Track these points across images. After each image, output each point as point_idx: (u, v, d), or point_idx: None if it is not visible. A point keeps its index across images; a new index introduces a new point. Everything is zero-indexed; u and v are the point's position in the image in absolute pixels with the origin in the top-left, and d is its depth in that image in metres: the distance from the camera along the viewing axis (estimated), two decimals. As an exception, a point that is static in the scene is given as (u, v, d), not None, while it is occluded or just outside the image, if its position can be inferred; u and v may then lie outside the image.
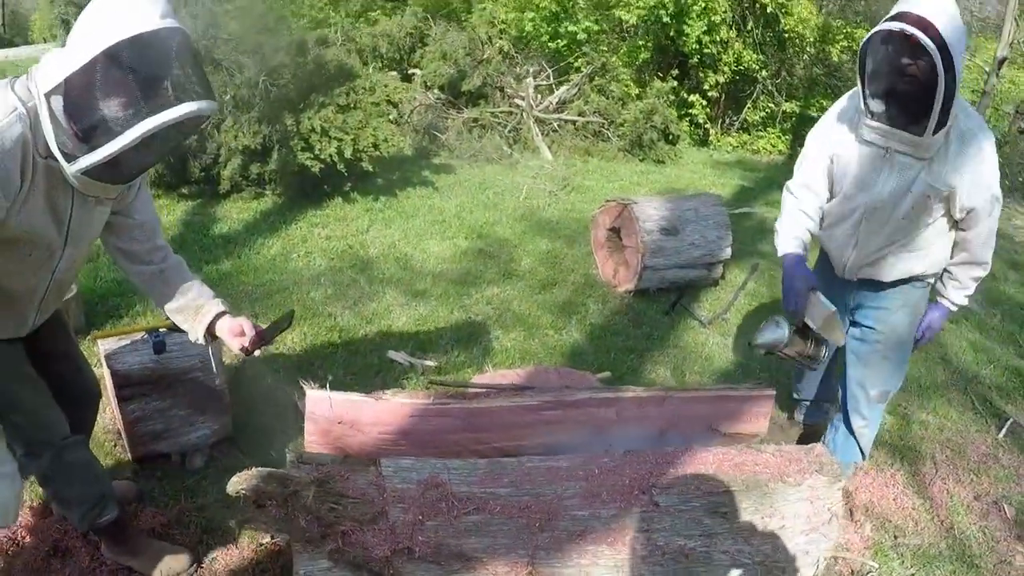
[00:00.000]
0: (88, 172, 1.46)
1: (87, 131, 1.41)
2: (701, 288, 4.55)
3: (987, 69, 8.72)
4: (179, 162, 4.92)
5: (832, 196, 2.37)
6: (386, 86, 5.67)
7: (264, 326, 1.94)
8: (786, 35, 8.91)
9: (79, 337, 2.78)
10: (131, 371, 2.36)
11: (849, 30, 8.81)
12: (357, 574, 1.76)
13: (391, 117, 6.02)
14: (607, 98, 8.24)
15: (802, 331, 2.29)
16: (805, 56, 9.34)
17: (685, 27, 8.49)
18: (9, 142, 1.40)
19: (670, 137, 8.27)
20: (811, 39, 8.94)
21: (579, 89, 8.27)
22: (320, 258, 4.42)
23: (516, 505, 1.86)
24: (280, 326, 1.96)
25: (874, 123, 2.10)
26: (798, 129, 8.98)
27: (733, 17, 8.78)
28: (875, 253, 2.30)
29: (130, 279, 1.94)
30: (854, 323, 2.54)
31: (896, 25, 1.90)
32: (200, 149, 4.89)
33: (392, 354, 3.40)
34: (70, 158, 1.43)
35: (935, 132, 1.99)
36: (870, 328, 2.47)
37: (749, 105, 9.38)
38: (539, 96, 8.15)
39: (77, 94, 1.39)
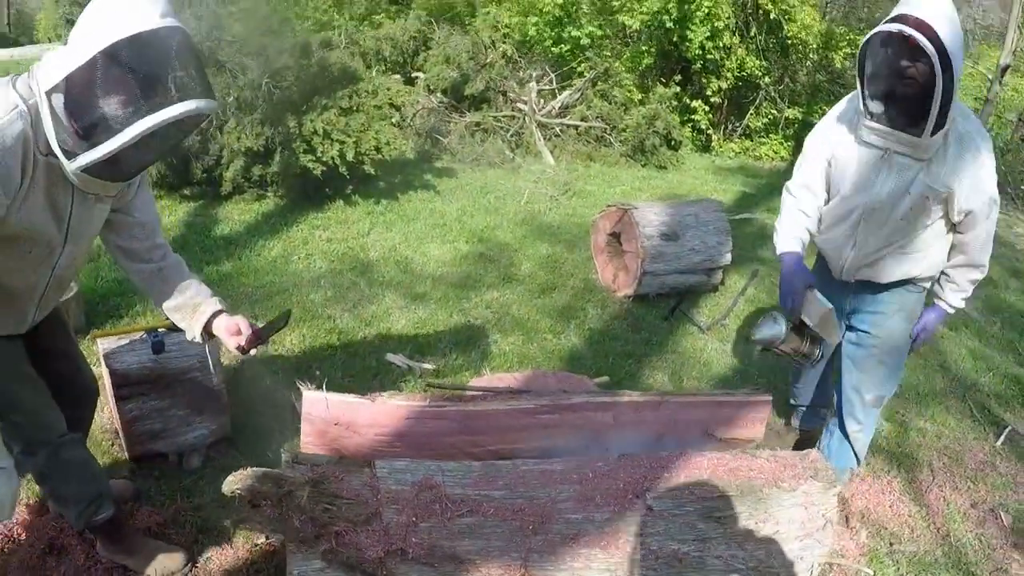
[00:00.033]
0: (88, 169, 1.47)
1: (87, 129, 1.43)
2: (701, 294, 4.55)
3: (990, 77, 8.72)
4: (181, 163, 4.94)
5: (830, 197, 2.39)
6: (389, 89, 5.68)
7: (261, 325, 1.95)
8: (789, 41, 8.92)
9: (79, 336, 2.80)
10: (129, 370, 2.37)
11: (852, 37, 8.81)
12: (351, 575, 1.76)
13: (394, 120, 6.03)
14: (610, 103, 8.26)
15: (799, 328, 2.32)
16: (808, 63, 9.35)
17: (688, 33, 8.51)
18: (10, 139, 1.41)
19: (672, 143, 8.28)
20: (814, 46, 8.95)
21: (582, 94, 8.29)
22: (320, 260, 4.44)
23: (510, 508, 1.87)
24: (276, 325, 1.97)
25: (873, 124, 2.12)
26: (800, 136, 8.98)
27: (736, 23, 8.80)
28: (873, 254, 2.31)
29: (129, 277, 1.96)
30: (850, 327, 2.55)
31: (895, 27, 1.92)
32: (202, 150, 4.91)
33: (390, 357, 3.41)
34: (70, 155, 1.45)
35: (933, 133, 2.01)
36: (866, 332, 2.48)
37: (752, 111, 9.39)
38: (542, 101, 8.17)
39: (77, 92, 1.41)
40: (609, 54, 8.84)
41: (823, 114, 2.45)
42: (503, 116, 7.83)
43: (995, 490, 3.04)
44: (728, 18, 8.50)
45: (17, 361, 1.80)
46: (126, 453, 2.52)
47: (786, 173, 2.52)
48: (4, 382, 1.78)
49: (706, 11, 8.32)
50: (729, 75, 8.87)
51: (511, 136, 7.67)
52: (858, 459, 2.70)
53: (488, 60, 7.91)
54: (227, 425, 2.63)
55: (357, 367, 3.33)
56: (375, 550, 1.76)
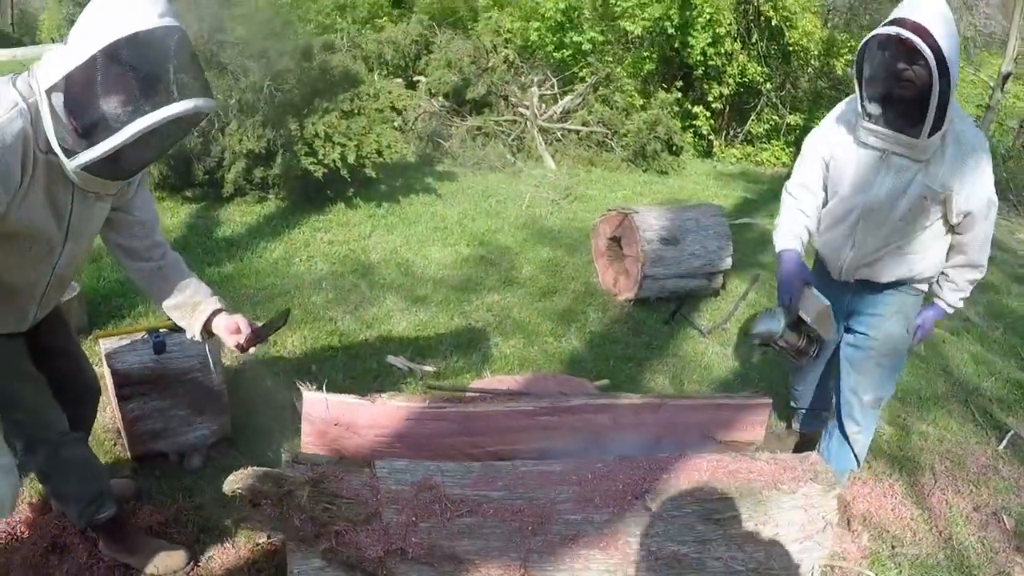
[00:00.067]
0: (88, 168, 1.48)
1: (86, 127, 1.44)
2: (701, 298, 4.56)
3: (992, 84, 8.74)
4: (183, 165, 4.96)
5: (828, 197, 2.41)
6: (390, 93, 5.71)
7: (260, 324, 1.96)
8: (791, 48, 8.96)
9: (81, 336, 2.81)
10: (131, 370, 2.38)
11: (854, 44, 8.84)
12: (350, 574, 1.77)
13: (395, 124, 6.06)
14: (611, 108, 8.28)
15: (796, 325, 2.33)
16: (810, 69, 9.38)
17: (690, 39, 8.54)
18: (10, 137, 1.42)
19: (673, 148, 8.30)
20: (816, 52, 8.99)
21: (583, 99, 8.31)
22: (322, 262, 4.45)
23: (509, 508, 1.87)
24: (275, 324, 1.98)
25: (871, 126, 2.15)
26: (802, 142, 9.00)
27: (738, 29, 8.83)
28: (872, 255, 2.33)
29: (129, 276, 1.97)
30: (848, 329, 2.56)
31: (893, 30, 1.95)
32: (204, 152, 4.93)
33: (391, 359, 3.42)
34: (70, 154, 1.46)
35: (931, 135, 2.04)
36: (863, 334, 2.49)
37: (753, 117, 9.42)
38: (543, 105, 8.20)
39: (77, 91, 1.42)
40: (611, 59, 8.88)
41: (824, 120, 2.46)
42: (505, 120, 7.86)
43: (997, 494, 3.04)
44: (730, 24, 8.54)
45: (18, 359, 1.81)
46: (128, 453, 2.52)
47: (787, 179, 2.55)
48: (5, 380, 1.78)
49: (708, 17, 8.35)
50: (731, 81, 8.90)
51: (512, 140, 7.69)
52: (858, 461, 2.70)
53: (490, 64, 7.94)
54: (228, 425, 2.64)
55: (358, 369, 3.34)
56: (375, 549, 1.76)
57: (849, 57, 8.72)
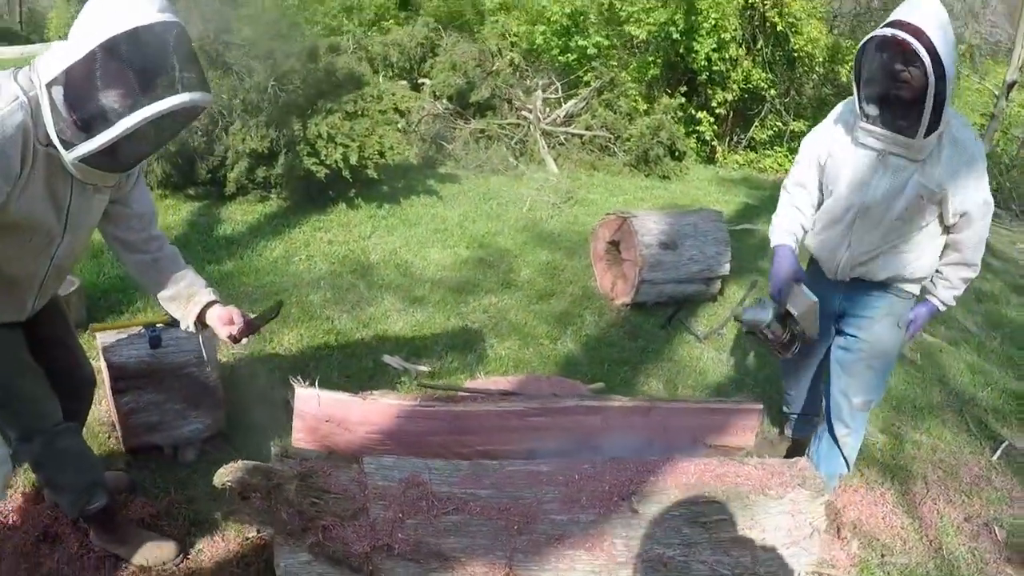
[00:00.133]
0: (86, 160, 1.51)
1: (85, 120, 1.47)
2: (699, 303, 4.56)
3: (996, 93, 8.73)
4: (186, 163, 5.00)
5: (824, 196, 2.45)
6: (394, 94, 5.73)
7: (253, 316, 1.99)
8: (796, 54, 8.96)
9: (79, 331, 2.83)
10: (127, 364, 2.40)
11: (859, 51, 8.84)
12: (336, 569, 1.78)
13: (399, 126, 6.09)
14: (615, 113, 8.30)
15: (783, 319, 2.39)
16: (814, 76, 9.39)
17: (695, 44, 8.55)
18: (11, 128, 1.46)
19: (676, 153, 8.31)
20: (820, 59, 8.99)
21: (587, 103, 8.33)
22: (321, 262, 4.47)
23: (495, 507, 1.89)
24: (268, 316, 2.01)
25: (869, 126, 2.19)
26: (805, 148, 8.99)
27: (743, 35, 8.84)
28: (868, 253, 2.36)
29: (126, 268, 2.00)
30: (839, 332, 2.58)
31: (890, 32, 2.00)
32: (207, 151, 4.97)
33: (387, 358, 3.43)
34: (69, 146, 1.49)
35: (927, 135, 2.08)
36: (854, 337, 2.51)
37: (757, 123, 9.42)
38: (547, 109, 8.22)
39: (76, 84, 1.45)
40: (615, 64, 8.90)
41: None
42: (508, 123, 7.88)
43: (990, 504, 3.03)
44: (735, 30, 8.55)
45: (16, 349, 1.84)
46: (122, 445, 2.54)
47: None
48: (2, 370, 1.81)
49: (713, 23, 8.37)
50: (735, 87, 8.91)
51: (515, 143, 7.71)
52: (847, 464, 2.71)
53: (494, 68, 7.97)
54: (222, 420, 2.66)
55: (354, 368, 3.36)
56: (361, 545, 1.78)
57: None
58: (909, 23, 1.98)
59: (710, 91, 9.08)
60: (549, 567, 1.91)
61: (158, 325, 2.53)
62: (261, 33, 5.16)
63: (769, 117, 9.40)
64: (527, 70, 8.49)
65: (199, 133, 4.94)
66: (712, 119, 9.13)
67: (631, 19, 8.69)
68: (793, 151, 9.42)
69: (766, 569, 2.08)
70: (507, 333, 3.91)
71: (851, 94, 2.25)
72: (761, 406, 2.67)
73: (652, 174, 8.00)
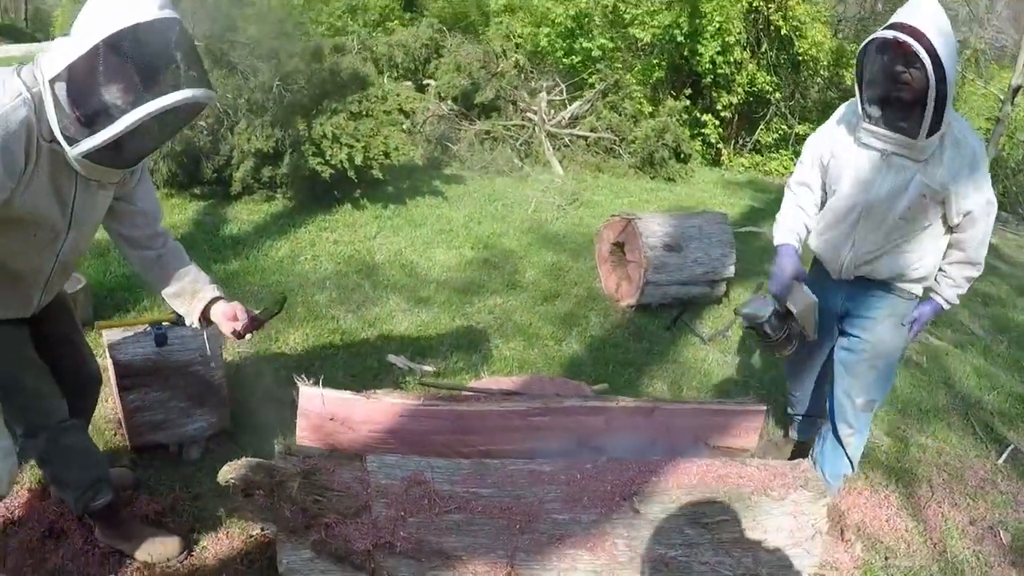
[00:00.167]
0: (89, 156, 1.53)
1: (88, 116, 1.49)
2: (704, 305, 4.56)
3: (1002, 97, 8.71)
4: (192, 163, 5.02)
5: (827, 196, 2.47)
6: (398, 95, 5.75)
7: (257, 311, 2.00)
8: (800, 58, 8.96)
9: (85, 329, 2.85)
10: (133, 361, 2.41)
11: (864, 54, 8.83)
12: (338, 566, 1.79)
13: (404, 127, 6.11)
14: (619, 115, 8.31)
15: (783, 316, 2.41)
16: (819, 79, 9.38)
17: (699, 47, 8.56)
18: (15, 124, 1.47)
19: (681, 156, 8.31)
20: (825, 63, 8.99)
21: (592, 105, 8.34)
22: (327, 262, 4.49)
23: (497, 506, 1.89)
24: (271, 311, 2.03)
25: (871, 127, 2.21)
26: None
27: (748, 38, 8.85)
28: (871, 253, 2.37)
29: (131, 264, 2.01)
30: (842, 332, 2.59)
31: (890, 34, 2.02)
32: (213, 151, 4.99)
33: (392, 358, 3.44)
34: (72, 142, 1.51)
35: (929, 135, 2.10)
36: (857, 337, 2.52)
37: (762, 126, 9.42)
38: (552, 111, 8.23)
39: (79, 80, 1.47)
40: (620, 66, 8.91)
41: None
42: (513, 125, 7.89)
43: (995, 508, 3.02)
44: (739, 33, 8.55)
45: (21, 345, 1.85)
46: (128, 443, 2.56)
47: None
48: (8, 366, 1.82)
49: (717, 26, 8.38)
50: (740, 90, 8.91)
51: (520, 145, 7.72)
52: (852, 464, 2.71)
53: (499, 69, 7.98)
54: (227, 418, 2.67)
55: (358, 367, 3.36)
56: (363, 542, 1.78)
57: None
58: (909, 25, 2.00)
59: (715, 94, 9.08)
60: (551, 566, 1.91)
61: (164, 323, 2.54)
62: (266, 33, 5.19)
63: (774, 120, 9.40)
64: (532, 72, 8.51)
65: (204, 133, 4.96)
66: (717, 122, 9.13)
67: (635, 21, 8.70)
68: (798, 154, 9.40)
69: (768, 570, 2.08)
70: (512, 334, 3.91)
71: (854, 96, 2.26)
72: (765, 407, 2.67)
73: (657, 176, 8.01)
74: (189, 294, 1.95)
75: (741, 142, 9.65)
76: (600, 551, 1.94)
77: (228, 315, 1.93)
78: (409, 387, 3.23)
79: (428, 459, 1.96)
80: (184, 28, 1.50)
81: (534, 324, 4.07)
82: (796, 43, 8.78)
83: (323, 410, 2.19)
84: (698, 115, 9.10)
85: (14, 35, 19.16)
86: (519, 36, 8.86)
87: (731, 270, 4.45)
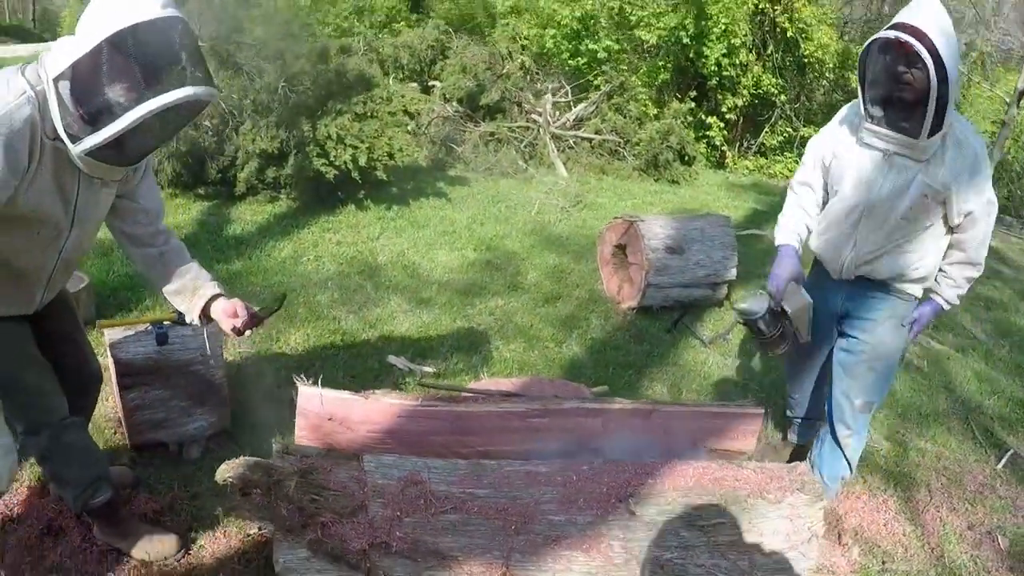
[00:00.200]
0: (92, 153, 1.55)
1: (91, 114, 1.50)
2: (705, 308, 4.56)
3: (1008, 100, 8.67)
4: (197, 163, 5.05)
5: (828, 196, 2.48)
6: (403, 97, 5.77)
7: (257, 309, 2.02)
8: (806, 60, 8.96)
9: (87, 328, 2.87)
10: (134, 360, 2.43)
11: (870, 57, 8.81)
12: (335, 565, 1.80)
13: (408, 128, 6.13)
14: (624, 117, 8.31)
15: (777, 315, 2.42)
16: (824, 82, 9.37)
17: (705, 49, 8.56)
18: (18, 122, 1.49)
19: (686, 158, 8.31)
20: (831, 65, 8.98)
21: (597, 107, 8.35)
22: (329, 263, 4.50)
23: (493, 507, 1.90)
24: (271, 309, 2.04)
25: (873, 127, 2.22)
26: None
27: (753, 41, 8.84)
28: (872, 252, 2.38)
29: (132, 262, 2.03)
30: (841, 334, 2.60)
31: (892, 34, 2.04)
32: (218, 151, 5.02)
33: (392, 359, 3.45)
34: (75, 139, 1.53)
35: (930, 135, 2.11)
36: (856, 339, 2.53)
37: (767, 129, 9.41)
38: (557, 112, 8.24)
39: (82, 79, 1.49)
40: (625, 68, 8.92)
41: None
42: (518, 127, 7.90)
43: (993, 512, 3.01)
44: (745, 35, 8.55)
45: (24, 343, 1.87)
46: (128, 441, 2.57)
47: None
48: (10, 363, 1.84)
49: (723, 28, 8.37)
50: (745, 92, 8.91)
51: (525, 147, 7.73)
52: (850, 466, 2.71)
53: (505, 71, 8.00)
54: (227, 418, 2.69)
55: (359, 368, 3.38)
56: (359, 542, 1.79)
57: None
58: (912, 25, 2.01)
59: (720, 96, 9.08)
60: (546, 568, 1.92)
61: (165, 323, 2.56)
62: (272, 34, 5.21)
63: (779, 123, 9.39)
64: (537, 74, 8.52)
65: (210, 133, 4.99)
66: (722, 124, 9.13)
67: (641, 23, 8.71)
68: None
69: (763, 573, 2.09)
70: (513, 335, 3.92)
71: None
72: (762, 410, 2.67)
73: (661, 179, 8.01)
74: (190, 291, 1.97)
75: (746, 144, 9.65)
76: (596, 553, 1.94)
77: (228, 312, 1.95)
78: (409, 388, 3.24)
79: (425, 459, 1.97)
80: (187, 26, 1.52)
81: (535, 326, 4.08)
82: (802, 45, 8.78)
83: (321, 410, 2.20)
84: (703, 117, 9.10)
85: (21, 35, 19.32)
86: (525, 38, 8.88)
87: (733, 273, 4.45)
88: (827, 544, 2.61)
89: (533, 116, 8.02)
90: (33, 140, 1.53)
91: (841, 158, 2.38)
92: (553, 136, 7.90)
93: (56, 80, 1.49)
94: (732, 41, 8.48)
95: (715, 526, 2.05)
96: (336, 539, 1.79)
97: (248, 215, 5.07)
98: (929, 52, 1.98)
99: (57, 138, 1.55)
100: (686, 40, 8.56)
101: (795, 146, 9.42)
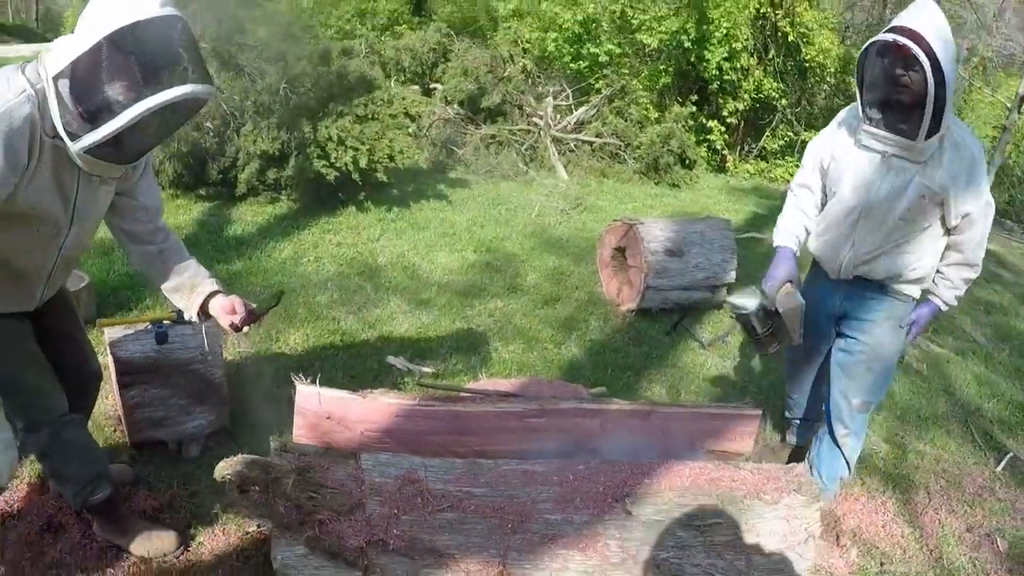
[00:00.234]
0: (91, 151, 1.56)
1: (90, 112, 1.52)
2: (704, 310, 4.56)
3: (1009, 106, 8.68)
4: (198, 164, 5.06)
5: (827, 197, 2.50)
6: (404, 99, 5.79)
7: (255, 305, 2.03)
8: (807, 65, 8.96)
9: (88, 327, 2.88)
10: (133, 358, 2.44)
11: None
12: (332, 563, 1.81)
13: (409, 130, 6.14)
14: (625, 120, 8.32)
15: (769, 314, 2.44)
16: (826, 86, 9.38)
17: (706, 53, 8.57)
18: (18, 121, 1.50)
19: (687, 162, 8.32)
20: (832, 69, 8.99)
21: (598, 110, 8.36)
22: (329, 264, 4.52)
23: (490, 505, 1.90)
24: (269, 304, 2.06)
25: (872, 129, 2.25)
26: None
27: (755, 45, 8.85)
28: (870, 253, 2.40)
29: (131, 260, 2.04)
30: (840, 334, 2.61)
31: (890, 37, 2.07)
32: (219, 152, 5.03)
33: (391, 359, 3.46)
34: (74, 137, 1.54)
35: (928, 137, 2.13)
36: (854, 339, 2.54)
37: (768, 133, 9.41)
38: (558, 116, 8.25)
39: (81, 77, 1.50)
40: (627, 72, 8.93)
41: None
42: (519, 130, 7.92)
43: (992, 515, 3.01)
44: (746, 40, 8.56)
45: (23, 340, 1.88)
46: (127, 439, 2.58)
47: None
48: (10, 360, 1.85)
49: (724, 32, 8.39)
50: (746, 96, 8.92)
51: (526, 150, 7.75)
52: (848, 467, 2.72)
53: (506, 74, 8.02)
54: (226, 416, 2.70)
55: (358, 368, 3.39)
56: (357, 539, 1.80)
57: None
58: (909, 28, 2.04)
59: (721, 100, 9.09)
60: (543, 566, 1.92)
61: (165, 322, 2.57)
62: (274, 35, 5.23)
63: (780, 127, 9.39)
64: (539, 77, 8.54)
65: (211, 134, 5.01)
66: (723, 128, 9.14)
67: (643, 27, 8.72)
68: (804, 161, 9.40)
69: (759, 574, 2.09)
70: (512, 337, 3.93)
71: None
72: (760, 412, 2.68)
73: (662, 182, 8.02)
74: (188, 288, 1.98)
75: (747, 148, 9.65)
76: (592, 552, 1.95)
77: (226, 308, 1.96)
78: (408, 388, 3.25)
79: (422, 458, 1.98)
80: (186, 25, 1.53)
81: (534, 327, 4.09)
82: (803, 50, 8.79)
83: (320, 409, 2.21)
84: (704, 121, 9.11)
85: (25, 35, 19.40)
86: (527, 41, 8.89)
87: (732, 276, 4.46)
88: (825, 545, 2.61)
89: (534, 119, 8.03)
90: (33, 138, 1.54)
91: (839, 160, 2.40)
92: (554, 139, 7.91)
93: (56, 78, 1.51)
94: (733, 45, 8.49)
95: (711, 526, 2.05)
96: (333, 536, 1.80)
97: (249, 216, 5.09)
98: (926, 55, 2.01)
99: (57, 136, 1.56)
100: (687, 44, 8.57)
101: (796, 150, 9.41)
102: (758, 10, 8.65)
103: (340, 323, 3.78)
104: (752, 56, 8.83)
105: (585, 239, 5.59)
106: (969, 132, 2.30)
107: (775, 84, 8.92)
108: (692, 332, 4.27)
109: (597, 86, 8.70)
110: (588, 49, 8.79)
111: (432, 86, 8.32)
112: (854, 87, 2.33)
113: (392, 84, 7.45)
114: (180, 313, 2.08)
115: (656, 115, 8.74)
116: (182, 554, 2.17)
